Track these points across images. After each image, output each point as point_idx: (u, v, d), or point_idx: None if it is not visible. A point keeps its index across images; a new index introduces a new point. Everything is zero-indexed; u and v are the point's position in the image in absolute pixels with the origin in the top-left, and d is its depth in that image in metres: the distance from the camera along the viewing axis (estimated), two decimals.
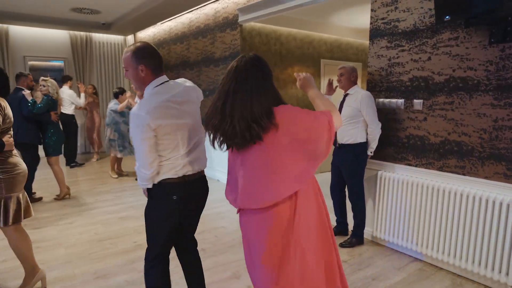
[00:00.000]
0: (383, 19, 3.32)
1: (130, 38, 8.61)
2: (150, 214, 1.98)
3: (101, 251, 3.35)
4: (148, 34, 8.02)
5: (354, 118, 3.28)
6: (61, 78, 6.94)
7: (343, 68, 3.43)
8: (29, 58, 7.53)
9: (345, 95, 3.43)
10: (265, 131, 1.41)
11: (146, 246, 2.06)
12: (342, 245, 3.43)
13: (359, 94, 3.29)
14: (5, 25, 7.07)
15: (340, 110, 3.40)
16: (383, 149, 3.40)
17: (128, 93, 5.70)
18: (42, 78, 4.64)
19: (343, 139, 3.38)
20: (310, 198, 1.53)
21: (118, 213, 4.38)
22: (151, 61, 1.82)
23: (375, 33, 3.40)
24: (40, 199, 4.80)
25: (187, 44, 6.50)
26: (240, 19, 5.08)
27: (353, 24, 6.03)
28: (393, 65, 3.27)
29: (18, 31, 7.30)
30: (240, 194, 1.53)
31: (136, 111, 1.75)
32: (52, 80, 4.66)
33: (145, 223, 2.02)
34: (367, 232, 3.61)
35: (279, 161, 1.44)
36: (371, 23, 3.43)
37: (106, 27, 7.74)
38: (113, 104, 5.80)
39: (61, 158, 5.86)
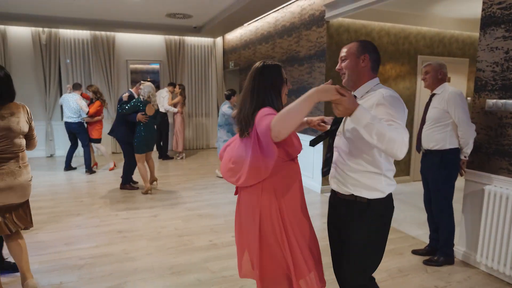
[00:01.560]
0: (499, 3, 2.75)
1: (219, 40, 8.91)
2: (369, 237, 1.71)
3: (178, 247, 3.42)
4: (236, 35, 8.19)
5: (441, 120, 2.88)
6: (168, 83, 7.65)
7: (429, 65, 3.02)
8: (130, 62, 8.30)
9: (432, 95, 3.02)
10: (249, 127, 1.66)
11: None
12: (427, 263, 3.04)
13: (446, 93, 2.86)
14: (112, 33, 7.89)
15: (425, 112, 3.05)
16: (493, 159, 2.83)
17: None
18: (141, 81, 5.12)
19: (428, 144, 2.97)
20: (255, 194, 1.69)
21: (198, 210, 4.48)
22: (374, 55, 1.70)
23: (488, 21, 2.85)
24: (137, 188, 5.34)
25: (272, 43, 6.43)
26: (327, 15, 4.80)
27: (459, 14, 5.26)
28: (511, 58, 2.69)
29: (122, 38, 8.09)
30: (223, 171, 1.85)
31: (393, 93, 1.59)
32: (147, 83, 5.01)
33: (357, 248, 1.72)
34: (458, 251, 3.08)
35: (248, 153, 1.65)
36: (483, 10, 2.88)
37: (197, 30, 8.13)
38: (226, 107, 5.77)
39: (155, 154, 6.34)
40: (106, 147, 7.02)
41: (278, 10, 6.16)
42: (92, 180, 5.86)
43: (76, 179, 5.99)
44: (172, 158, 7.74)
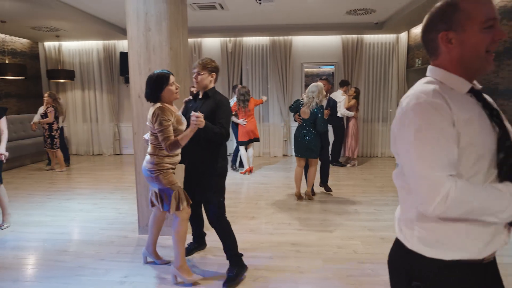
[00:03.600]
0: None
1: (403, 36, 7.87)
2: None
3: (360, 277, 2.86)
4: None
5: None
6: (339, 82, 7.24)
7: None
8: (305, 65, 8.20)
9: None
10: None
11: None
12: None
13: None
14: (289, 37, 7.95)
15: None
16: None
17: None
18: (236, 84, 4.99)
19: None
20: None
21: (379, 231, 3.79)
22: None
23: None
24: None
25: None
26: None
27: None
28: None
29: (298, 41, 8.06)
30: None
31: None
32: (313, 83, 4.69)
33: None
34: None
35: None
36: None
37: (378, 27, 7.35)
38: None
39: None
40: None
41: None
42: (265, 183, 5.89)
43: (249, 179, 6.16)
44: (344, 165, 7.24)
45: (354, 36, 7.87)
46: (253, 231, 3.81)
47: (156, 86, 2.62)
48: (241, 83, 8.14)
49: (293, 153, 4.94)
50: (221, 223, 2.82)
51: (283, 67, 7.99)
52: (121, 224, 4.00)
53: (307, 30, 7.57)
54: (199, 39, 8.14)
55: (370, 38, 7.94)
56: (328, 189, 5.22)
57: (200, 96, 2.88)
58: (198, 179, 2.86)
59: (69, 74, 7.84)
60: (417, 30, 7.46)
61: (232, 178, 6.17)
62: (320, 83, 4.70)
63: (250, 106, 6.24)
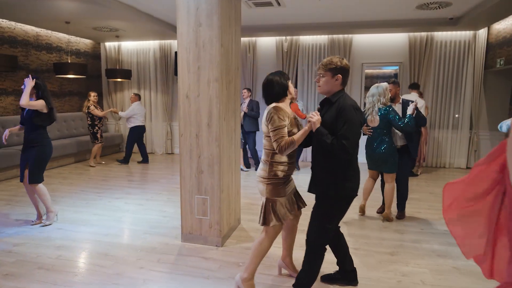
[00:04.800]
0: None
1: (481, 32, 6.96)
2: None
3: None
4: None
5: None
6: (410, 85, 6.56)
7: None
8: (366, 65, 7.60)
9: None
10: None
11: None
12: None
13: None
14: (350, 35, 7.42)
15: None
16: None
17: None
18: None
19: None
20: None
21: (451, 259, 3.21)
22: None
23: None
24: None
25: None
26: None
27: None
28: None
29: (360, 39, 7.49)
30: None
31: None
32: (378, 85, 4.03)
33: None
34: None
35: None
36: None
37: (453, 22, 6.55)
38: None
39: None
40: None
41: None
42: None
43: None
44: (416, 174, 6.60)
45: (423, 34, 7.12)
46: (301, 246, 3.42)
47: (283, 86, 2.49)
48: (295, 85, 7.78)
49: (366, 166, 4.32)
50: (314, 248, 2.44)
51: None
52: (164, 229, 3.84)
53: (370, 28, 6.98)
54: (253, 38, 7.90)
55: (441, 35, 7.14)
56: (401, 216, 4.29)
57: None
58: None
59: (126, 73, 8.03)
60: (499, 26, 6.54)
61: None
62: (383, 84, 4.07)
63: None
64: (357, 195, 2.40)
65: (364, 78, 7.66)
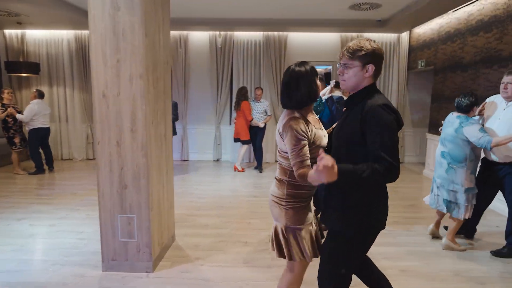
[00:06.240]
0: None
1: (404, 36, 7.29)
2: None
3: None
4: (431, 27, 6.46)
5: None
6: (334, 84, 6.54)
7: None
8: None
9: None
10: None
11: None
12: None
13: None
14: (285, 33, 7.25)
15: None
16: None
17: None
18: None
19: None
20: None
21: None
22: None
23: None
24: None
25: (500, 32, 4.54)
26: None
27: None
28: None
29: (294, 37, 7.37)
30: None
31: None
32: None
33: None
34: None
35: None
36: None
37: (380, 24, 6.74)
38: (474, 128, 3.33)
39: None
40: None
41: None
42: (258, 195, 5.14)
43: (241, 191, 5.40)
44: None
45: (354, 34, 7.24)
46: (247, 263, 3.06)
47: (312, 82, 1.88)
48: (231, 82, 7.44)
49: None
50: None
51: (277, 64, 7.30)
52: (81, 255, 3.18)
53: (305, 26, 6.89)
54: (185, 32, 7.34)
55: (370, 36, 7.33)
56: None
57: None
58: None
59: (33, 67, 6.89)
60: (419, 30, 6.91)
61: (221, 187, 5.42)
62: None
63: (242, 107, 6.40)
64: (384, 227, 1.76)
65: None
